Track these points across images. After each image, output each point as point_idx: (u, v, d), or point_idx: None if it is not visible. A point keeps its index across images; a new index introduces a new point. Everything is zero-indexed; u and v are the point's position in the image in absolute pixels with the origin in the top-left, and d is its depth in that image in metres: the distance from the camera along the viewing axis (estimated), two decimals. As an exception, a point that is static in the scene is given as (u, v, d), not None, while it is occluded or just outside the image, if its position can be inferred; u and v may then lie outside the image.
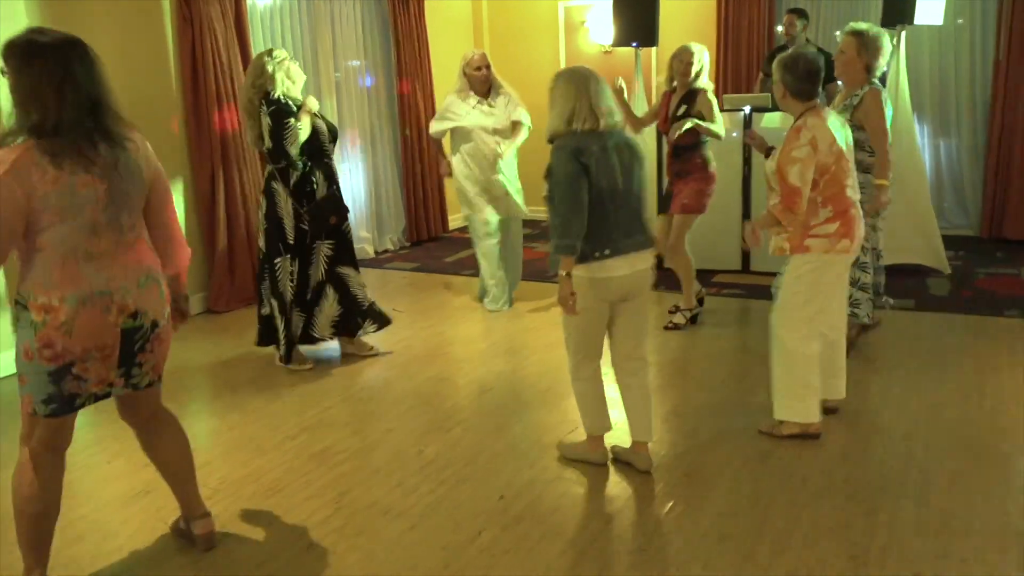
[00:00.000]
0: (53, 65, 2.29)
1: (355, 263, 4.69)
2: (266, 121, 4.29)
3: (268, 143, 4.33)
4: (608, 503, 3.12)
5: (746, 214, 6.10)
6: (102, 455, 3.71)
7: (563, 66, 8.66)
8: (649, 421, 3.33)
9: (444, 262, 7.32)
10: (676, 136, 4.81)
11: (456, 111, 5.48)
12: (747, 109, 6.03)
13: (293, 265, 4.49)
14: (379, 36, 7.76)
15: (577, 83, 3.08)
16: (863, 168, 4.15)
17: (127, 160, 2.45)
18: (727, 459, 3.41)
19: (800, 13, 6.76)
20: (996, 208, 7.08)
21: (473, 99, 5.45)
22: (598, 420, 3.37)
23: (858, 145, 4.13)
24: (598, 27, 8.32)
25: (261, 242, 4.53)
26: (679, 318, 5.13)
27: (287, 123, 4.28)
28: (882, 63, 4.14)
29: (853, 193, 3.42)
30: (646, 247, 3.17)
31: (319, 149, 4.45)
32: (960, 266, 6.26)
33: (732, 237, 6.22)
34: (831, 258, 3.37)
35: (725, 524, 2.91)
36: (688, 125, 4.74)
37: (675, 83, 5.01)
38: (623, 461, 3.37)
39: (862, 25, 4.16)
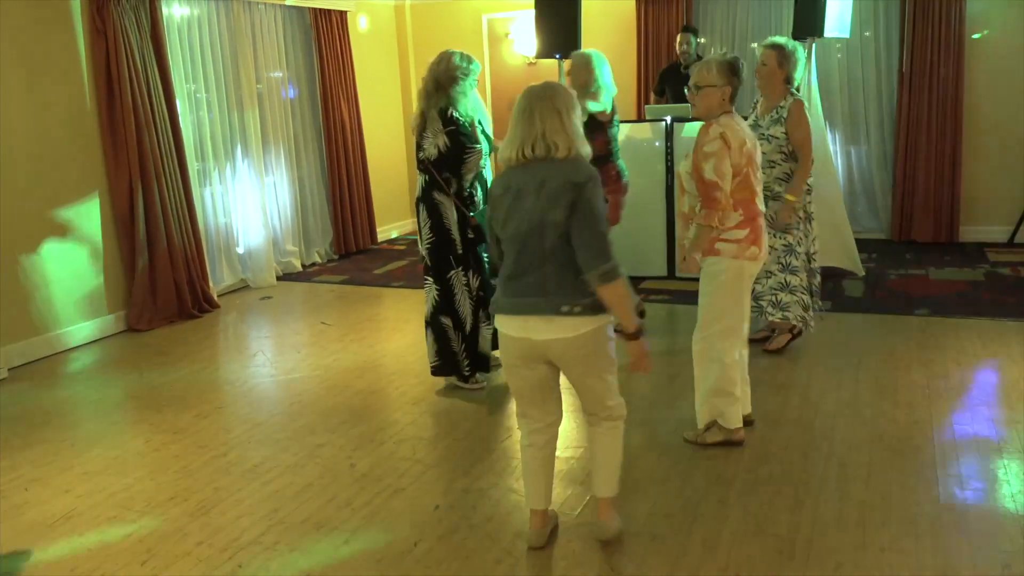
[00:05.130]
0: None
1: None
2: (443, 139, 4.06)
3: (433, 154, 4.08)
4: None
5: (670, 220, 6.25)
6: (18, 481, 3.57)
7: (488, 78, 8.77)
8: (610, 472, 2.85)
9: (373, 274, 7.28)
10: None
11: None
12: (668, 119, 6.18)
13: (467, 276, 4.24)
14: (302, 47, 7.69)
15: (517, 104, 2.65)
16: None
17: None
18: (657, 461, 3.48)
19: (691, 30, 6.99)
20: (905, 212, 7.42)
21: None
22: (527, 490, 2.90)
23: (791, 156, 4.31)
24: (522, 39, 8.42)
25: (427, 258, 4.27)
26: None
27: (470, 149, 4.08)
28: (798, 74, 4.35)
29: (760, 204, 3.46)
30: (537, 312, 2.56)
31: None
32: (873, 268, 6.53)
33: (657, 244, 6.37)
34: (741, 264, 3.37)
35: (657, 524, 2.96)
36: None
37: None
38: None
39: (780, 39, 4.34)
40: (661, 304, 5.90)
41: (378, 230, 8.54)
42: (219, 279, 6.79)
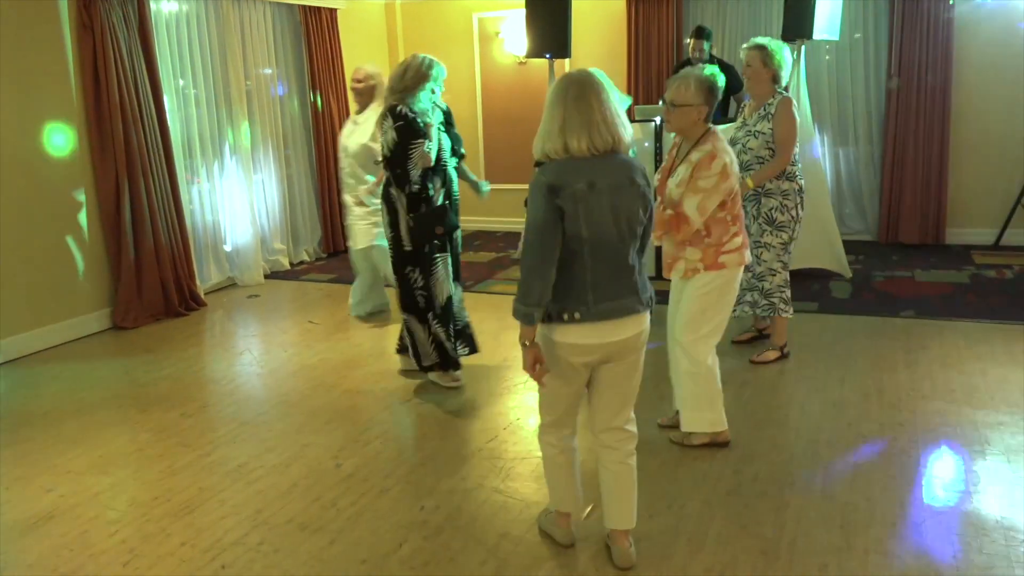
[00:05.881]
0: None
1: (459, 277, 4.52)
2: (391, 135, 4.10)
3: (386, 153, 4.14)
4: (528, 510, 3.14)
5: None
6: (0, 480, 3.54)
7: (479, 77, 8.75)
8: (628, 506, 2.75)
9: (361, 273, 7.25)
10: None
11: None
12: (657, 120, 6.18)
13: (415, 274, 4.30)
14: (291, 44, 7.65)
15: (566, 91, 2.46)
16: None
17: None
18: (643, 462, 3.45)
19: (705, 35, 6.84)
20: (892, 214, 7.45)
21: (354, 115, 5.44)
22: (560, 494, 2.85)
23: None
24: (512, 38, 8.41)
25: (392, 254, 4.37)
26: None
27: (413, 144, 4.09)
28: (786, 72, 4.37)
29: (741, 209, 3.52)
30: (634, 312, 2.54)
31: (436, 159, 4.26)
32: (860, 270, 6.55)
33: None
34: (737, 272, 3.44)
35: (643, 526, 2.96)
36: None
37: None
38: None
39: (763, 39, 4.37)
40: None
41: (367, 229, 8.51)
42: (206, 277, 6.76)
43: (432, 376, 4.48)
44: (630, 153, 2.56)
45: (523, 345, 2.52)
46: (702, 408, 3.51)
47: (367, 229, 5.45)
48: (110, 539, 3.04)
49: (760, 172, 4.33)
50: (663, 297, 3.54)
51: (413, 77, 4.12)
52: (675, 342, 3.52)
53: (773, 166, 4.32)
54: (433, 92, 4.22)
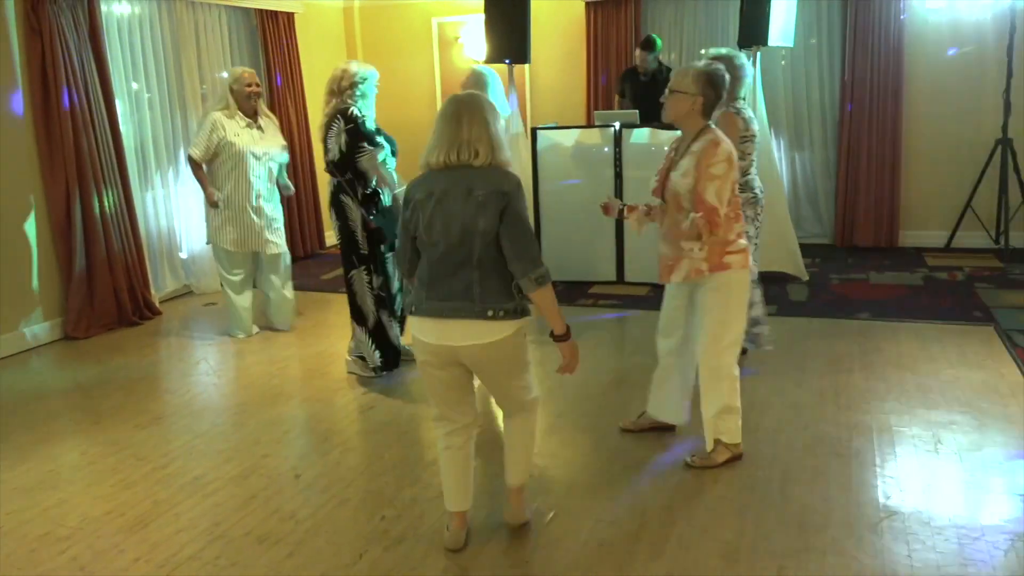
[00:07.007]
0: None
1: None
2: (344, 138, 4.26)
3: (336, 156, 4.30)
4: (491, 516, 3.12)
5: (619, 226, 6.28)
6: (-56, 498, 3.43)
7: (439, 82, 8.73)
8: (513, 462, 2.93)
9: (321, 280, 7.19)
10: None
11: (226, 130, 5.12)
12: (617, 125, 6.22)
13: (370, 276, 4.49)
14: (247, 48, 7.55)
15: (444, 109, 2.67)
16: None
17: None
18: (606, 467, 3.49)
19: (651, 48, 6.76)
20: (847, 217, 7.58)
21: (242, 120, 5.18)
22: (447, 492, 2.91)
23: None
24: (472, 43, 8.40)
25: (344, 260, 4.56)
26: None
27: (360, 148, 4.28)
28: (739, 85, 4.22)
29: None
30: (463, 316, 2.59)
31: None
32: (816, 273, 6.65)
33: (607, 249, 6.40)
34: (744, 274, 3.30)
35: (604, 531, 2.97)
36: None
37: None
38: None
39: (722, 50, 4.31)
40: (610, 308, 5.93)
41: (326, 235, 8.45)
42: (161, 285, 6.63)
43: (355, 368, 4.68)
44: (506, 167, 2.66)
45: None
46: (724, 415, 3.38)
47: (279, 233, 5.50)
48: (60, 556, 2.95)
49: None
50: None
51: (350, 80, 4.31)
52: (696, 358, 3.41)
53: None
54: (364, 96, 4.37)
